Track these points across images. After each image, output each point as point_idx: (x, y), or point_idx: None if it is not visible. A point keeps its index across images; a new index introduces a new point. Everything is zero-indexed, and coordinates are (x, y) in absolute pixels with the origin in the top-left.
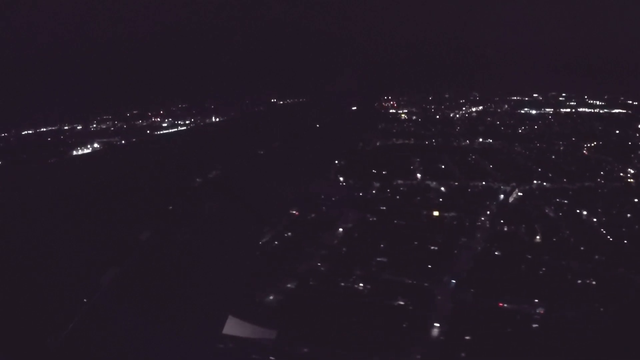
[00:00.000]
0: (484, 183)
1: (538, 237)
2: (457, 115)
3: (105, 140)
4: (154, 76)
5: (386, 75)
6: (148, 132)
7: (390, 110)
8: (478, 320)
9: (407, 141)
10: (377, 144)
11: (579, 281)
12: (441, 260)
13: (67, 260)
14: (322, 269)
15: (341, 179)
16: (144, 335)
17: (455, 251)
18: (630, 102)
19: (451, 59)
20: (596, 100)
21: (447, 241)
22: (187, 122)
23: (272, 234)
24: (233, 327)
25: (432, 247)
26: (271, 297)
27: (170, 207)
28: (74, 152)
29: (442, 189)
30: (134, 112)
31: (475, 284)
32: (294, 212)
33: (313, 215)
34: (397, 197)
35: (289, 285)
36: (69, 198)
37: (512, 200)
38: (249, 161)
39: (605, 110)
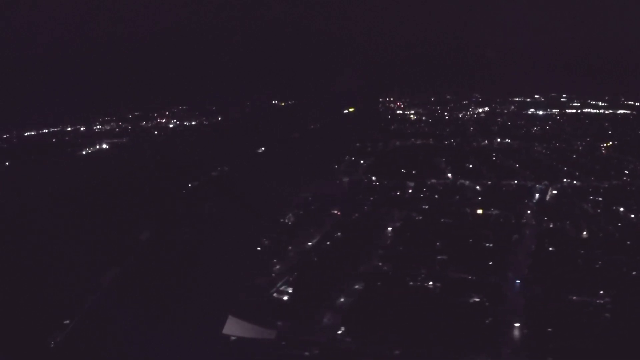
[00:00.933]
0: (516, 182)
1: (585, 232)
2: (466, 116)
3: (107, 141)
4: (154, 76)
5: (386, 75)
6: (148, 133)
7: (397, 112)
8: (553, 314)
9: (425, 141)
10: (397, 143)
11: (634, 273)
12: (499, 257)
13: (67, 260)
14: (384, 268)
15: (373, 178)
16: (144, 335)
17: (511, 248)
18: (632, 102)
19: (451, 59)
20: (598, 101)
21: (499, 238)
22: (186, 122)
23: (320, 235)
24: (233, 327)
25: (487, 245)
26: (342, 299)
27: (170, 207)
28: (76, 153)
29: (478, 187)
30: (135, 113)
31: (541, 279)
32: (336, 212)
33: (357, 215)
34: (436, 196)
35: (356, 287)
36: (70, 198)
37: (549, 199)
38: (249, 161)
39: (610, 111)
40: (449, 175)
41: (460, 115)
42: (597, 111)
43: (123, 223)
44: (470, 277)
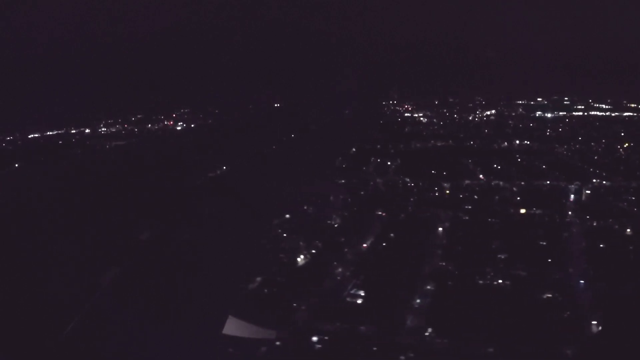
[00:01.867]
0: (548, 182)
1: (629, 230)
2: (476, 119)
3: (112, 143)
4: (154, 76)
5: (386, 76)
6: (154, 135)
7: (406, 114)
8: (624, 309)
9: (445, 143)
10: (418, 145)
11: None
12: (556, 254)
13: (67, 260)
14: (449, 268)
15: (407, 179)
16: (144, 335)
17: (564, 245)
18: (635, 105)
19: (451, 60)
20: (600, 103)
21: (550, 236)
22: (191, 124)
23: (373, 236)
24: (233, 327)
25: (541, 242)
26: (418, 300)
27: (170, 207)
28: (79, 155)
29: (515, 188)
30: (139, 115)
31: (602, 276)
32: (380, 212)
33: (403, 215)
34: (475, 196)
35: (428, 287)
36: (70, 199)
37: (585, 198)
38: (249, 161)
39: (617, 113)
40: (481, 176)
41: (470, 118)
42: (604, 113)
43: (123, 223)
44: (536, 274)
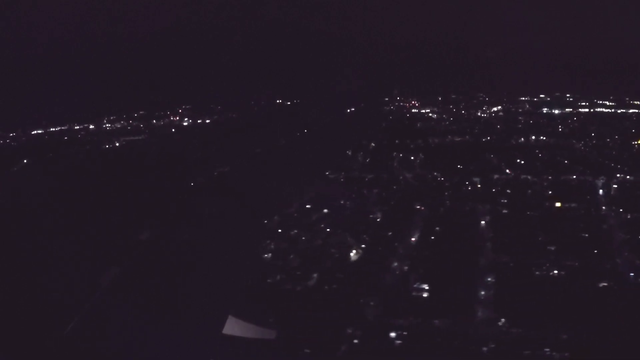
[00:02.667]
0: (575, 177)
1: None
2: (485, 115)
3: (119, 139)
4: (154, 76)
5: (386, 75)
6: (161, 131)
7: (413, 110)
8: None
9: (462, 139)
10: (436, 140)
11: None
12: (601, 245)
13: (67, 260)
14: (503, 260)
15: (435, 174)
16: (144, 335)
17: (606, 237)
18: (638, 102)
19: (451, 59)
20: (604, 101)
21: (591, 228)
22: (186, 122)
23: (419, 230)
24: (233, 327)
25: (584, 234)
26: (482, 292)
27: (170, 207)
28: (84, 152)
29: (545, 183)
30: (141, 112)
31: None
32: (419, 207)
33: (442, 209)
34: (508, 190)
35: (488, 279)
36: (70, 198)
37: (613, 192)
38: (249, 161)
39: (622, 110)
40: (507, 170)
41: (479, 114)
42: (610, 110)
43: (123, 223)
44: (587, 265)
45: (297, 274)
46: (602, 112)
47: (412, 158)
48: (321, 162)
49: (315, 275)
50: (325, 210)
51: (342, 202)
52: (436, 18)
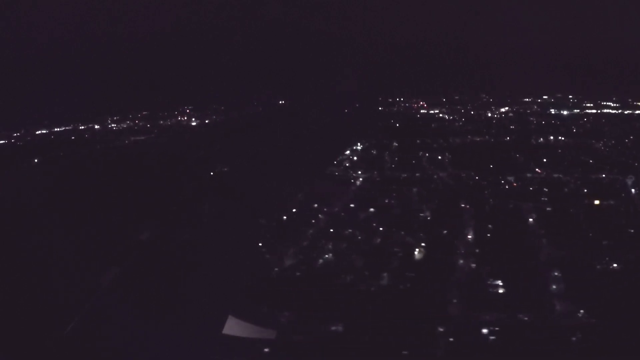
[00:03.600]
0: (604, 175)
1: None
2: (496, 115)
3: (125, 138)
4: (154, 76)
5: (386, 75)
6: (152, 132)
7: (421, 111)
8: None
9: (482, 139)
10: (457, 140)
11: None
12: None
13: (67, 260)
14: (563, 254)
15: (472, 173)
16: (144, 335)
17: None
18: None
19: (451, 59)
20: (607, 102)
21: (635, 225)
22: (192, 122)
23: (472, 229)
24: (233, 327)
25: (630, 230)
26: (554, 287)
27: (170, 207)
28: (97, 150)
29: (577, 182)
30: (144, 112)
31: None
32: (465, 205)
33: (487, 207)
34: (545, 189)
35: (555, 274)
36: (69, 198)
37: None
38: (249, 161)
39: (629, 111)
40: (537, 170)
41: (489, 115)
42: (617, 111)
43: (123, 223)
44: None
45: (365, 274)
46: (610, 113)
47: (439, 157)
48: (321, 162)
49: (385, 274)
50: (372, 209)
51: (386, 200)
52: (436, 18)
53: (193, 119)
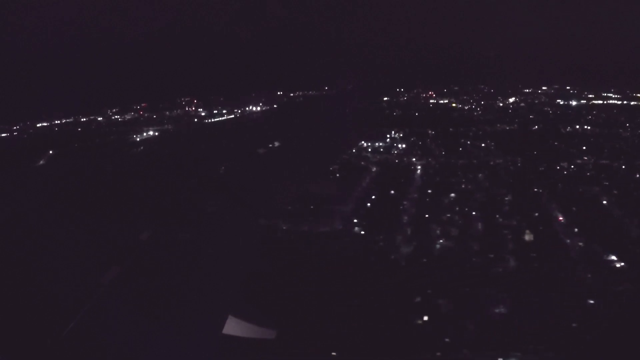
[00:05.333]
0: None
1: None
2: (509, 105)
3: (126, 133)
4: (154, 77)
5: (386, 76)
6: (153, 131)
7: (431, 101)
8: None
9: (510, 127)
10: (488, 129)
11: None
12: None
13: (67, 260)
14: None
15: (525, 159)
16: (144, 335)
17: None
18: None
19: (452, 58)
20: (608, 93)
21: None
22: (186, 122)
23: (559, 211)
24: (233, 327)
25: None
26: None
27: (170, 207)
28: (112, 143)
29: (623, 167)
30: (143, 104)
31: None
32: (538, 189)
33: (559, 192)
34: (601, 174)
35: (618, 265)
36: (69, 197)
37: None
38: (249, 161)
39: (634, 102)
40: (585, 158)
41: (501, 105)
42: (622, 102)
43: (123, 223)
44: None
45: (490, 257)
46: (615, 104)
47: (482, 145)
48: (321, 163)
49: (509, 257)
50: (452, 195)
51: (462, 186)
52: (436, 18)
53: (193, 119)
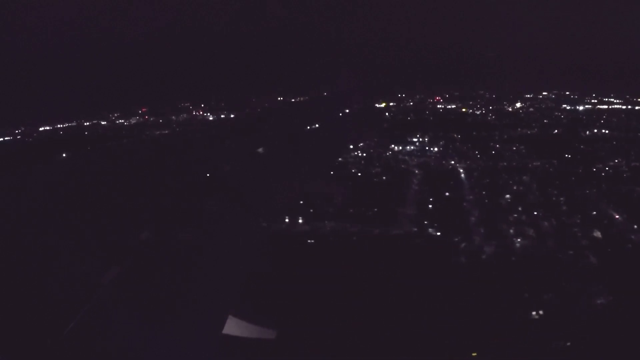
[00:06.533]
0: None
1: None
2: (521, 110)
3: (152, 131)
4: (153, 77)
5: (386, 76)
6: (153, 130)
7: (438, 106)
8: None
9: (531, 131)
10: (505, 136)
11: None
12: None
13: (67, 260)
14: None
15: (560, 163)
16: (144, 335)
17: None
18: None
19: (451, 59)
20: (608, 98)
21: None
22: (173, 124)
23: (612, 209)
24: (233, 327)
25: None
26: None
27: (171, 207)
28: (124, 144)
29: None
30: (143, 109)
31: None
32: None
33: (604, 192)
34: (637, 176)
35: None
36: (69, 197)
37: None
38: (248, 161)
39: (638, 107)
40: (617, 160)
41: (510, 110)
42: (626, 107)
43: (123, 223)
44: None
45: (570, 253)
46: (620, 108)
47: (514, 148)
48: (321, 163)
49: (588, 253)
50: (508, 196)
51: (514, 187)
52: (436, 18)
53: (193, 119)
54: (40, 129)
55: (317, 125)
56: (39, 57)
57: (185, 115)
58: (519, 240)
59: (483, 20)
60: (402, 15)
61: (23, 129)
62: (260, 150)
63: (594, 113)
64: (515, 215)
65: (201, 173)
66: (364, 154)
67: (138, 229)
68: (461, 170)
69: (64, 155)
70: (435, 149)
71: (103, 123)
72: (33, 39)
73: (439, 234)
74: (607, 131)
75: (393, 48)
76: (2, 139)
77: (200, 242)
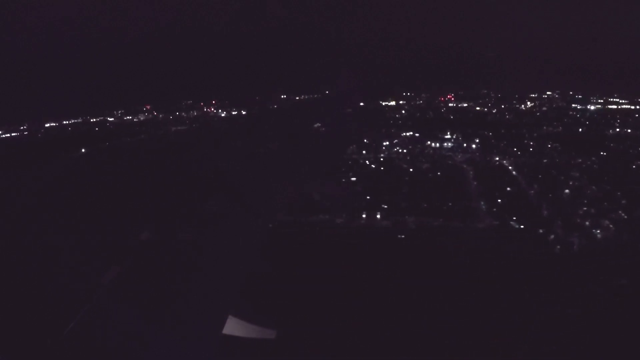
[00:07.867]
0: None
1: None
2: (535, 109)
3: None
4: (153, 77)
5: (386, 76)
6: (153, 130)
7: (450, 104)
8: None
9: (553, 130)
10: (535, 135)
11: None
12: None
13: (67, 260)
14: None
15: (597, 160)
16: (144, 336)
17: None
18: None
19: (451, 59)
20: (615, 98)
21: None
22: (186, 121)
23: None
24: (233, 327)
25: None
26: None
27: (170, 207)
28: (142, 140)
29: None
30: (147, 106)
31: None
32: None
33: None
34: None
35: None
36: (69, 197)
37: None
38: (248, 161)
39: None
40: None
41: (523, 108)
42: (635, 107)
43: (123, 223)
44: None
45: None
46: (630, 108)
47: (549, 146)
48: (321, 163)
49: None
50: (567, 191)
51: (570, 182)
52: (436, 18)
53: (193, 118)
54: (47, 125)
55: (318, 124)
56: (39, 57)
57: (195, 112)
58: (598, 231)
59: (483, 20)
60: (402, 15)
61: (27, 125)
62: (260, 150)
63: (608, 112)
64: (585, 208)
65: (201, 173)
66: (404, 150)
67: (138, 229)
68: (510, 167)
69: (63, 155)
70: (474, 146)
71: (110, 119)
72: (32, 37)
73: (522, 227)
74: (629, 130)
75: (393, 48)
76: (6, 136)
77: (200, 242)
